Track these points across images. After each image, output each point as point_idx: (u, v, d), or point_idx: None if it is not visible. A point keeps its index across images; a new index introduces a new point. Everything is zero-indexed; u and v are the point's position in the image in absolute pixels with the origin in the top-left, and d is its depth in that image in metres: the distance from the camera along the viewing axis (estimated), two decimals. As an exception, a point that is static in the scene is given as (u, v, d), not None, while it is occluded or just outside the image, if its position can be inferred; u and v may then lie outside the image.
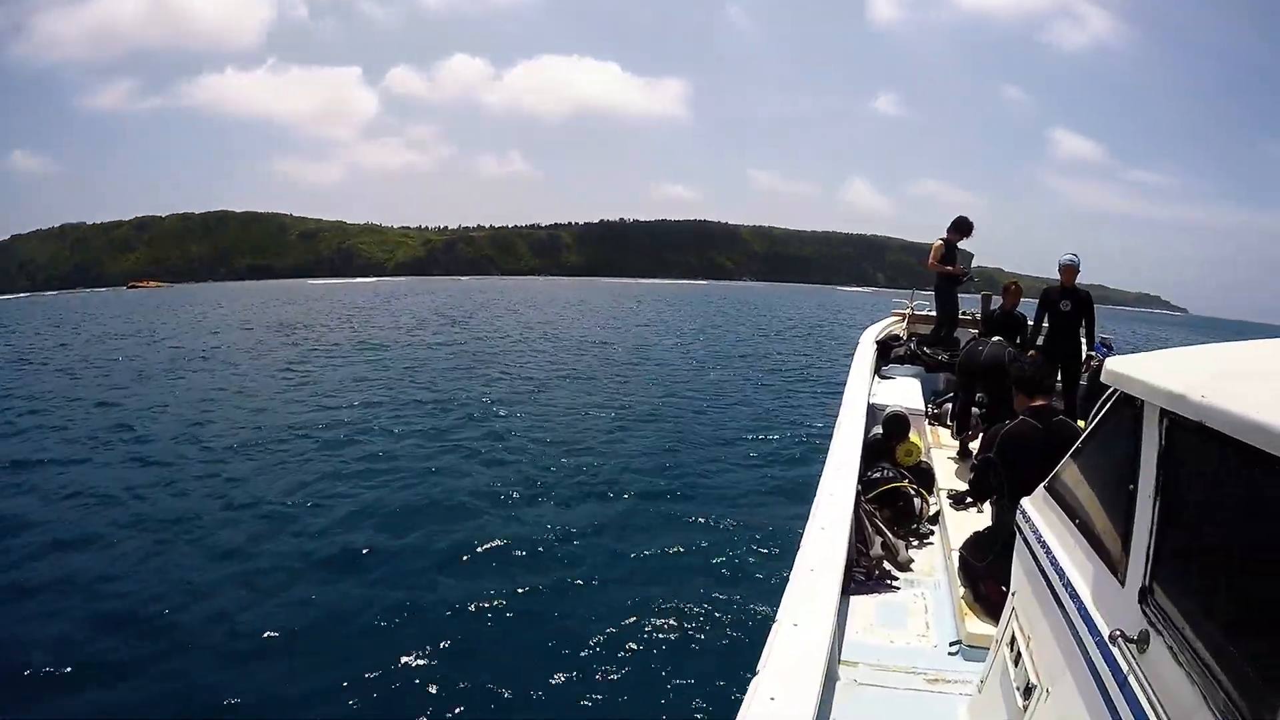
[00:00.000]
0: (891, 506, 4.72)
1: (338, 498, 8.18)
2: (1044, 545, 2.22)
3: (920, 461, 5.48)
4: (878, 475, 4.88)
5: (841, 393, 6.09)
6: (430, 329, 31.63)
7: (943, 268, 7.93)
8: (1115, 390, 1.99)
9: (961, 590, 3.60)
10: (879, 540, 4.32)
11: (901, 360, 8.13)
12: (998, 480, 3.53)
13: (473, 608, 5.58)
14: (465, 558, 6.53)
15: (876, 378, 7.36)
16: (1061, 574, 2.02)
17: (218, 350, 23.39)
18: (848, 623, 3.47)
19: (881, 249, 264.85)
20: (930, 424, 6.69)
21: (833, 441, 4.65)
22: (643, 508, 7.96)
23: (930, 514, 4.83)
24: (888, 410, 5.75)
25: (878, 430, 5.55)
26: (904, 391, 6.88)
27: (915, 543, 4.54)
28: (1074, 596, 1.90)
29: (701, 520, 7.50)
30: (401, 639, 5.14)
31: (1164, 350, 2.04)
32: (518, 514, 7.69)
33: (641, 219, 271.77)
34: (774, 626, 2.39)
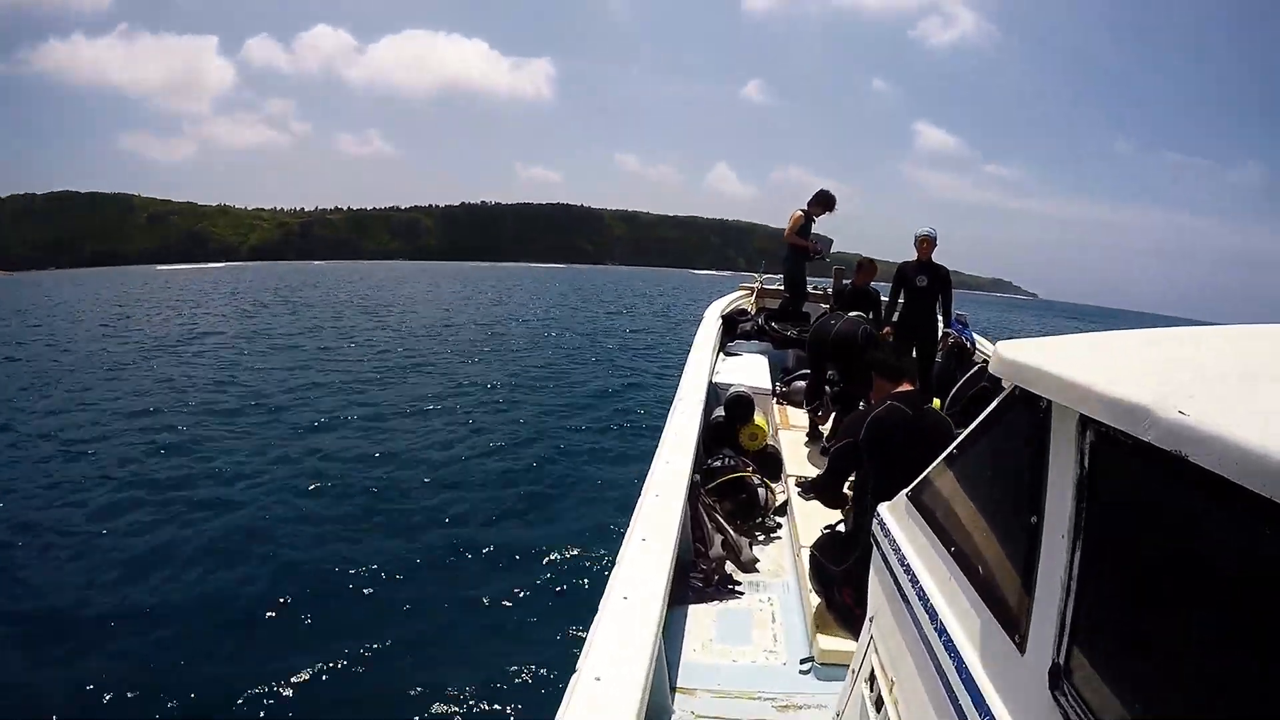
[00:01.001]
0: (733, 499, 4.19)
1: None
2: (909, 571, 1.67)
3: (767, 445, 5.06)
4: (718, 464, 4.35)
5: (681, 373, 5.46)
6: (262, 318, 28.09)
7: (797, 239, 7.57)
8: (1010, 385, 1.41)
9: (814, 598, 3.12)
10: (719, 539, 3.78)
11: (748, 336, 7.75)
12: (861, 474, 3.03)
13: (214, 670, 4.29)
14: (215, 604, 5.08)
15: (721, 355, 6.89)
16: (934, 616, 1.47)
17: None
18: (684, 640, 3.01)
19: (746, 234, 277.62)
20: (779, 403, 6.29)
21: (665, 427, 4.01)
22: (433, 529, 6.41)
23: (777, 504, 4.33)
24: (731, 390, 5.24)
25: (720, 413, 5.02)
26: (750, 369, 6.41)
27: (761, 538, 4.04)
28: (951, 649, 1.36)
29: (507, 542, 6.09)
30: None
31: (1065, 336, 1.50)
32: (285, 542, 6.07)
33: (504, 202, 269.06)
34: (572, 680, 1.83)
